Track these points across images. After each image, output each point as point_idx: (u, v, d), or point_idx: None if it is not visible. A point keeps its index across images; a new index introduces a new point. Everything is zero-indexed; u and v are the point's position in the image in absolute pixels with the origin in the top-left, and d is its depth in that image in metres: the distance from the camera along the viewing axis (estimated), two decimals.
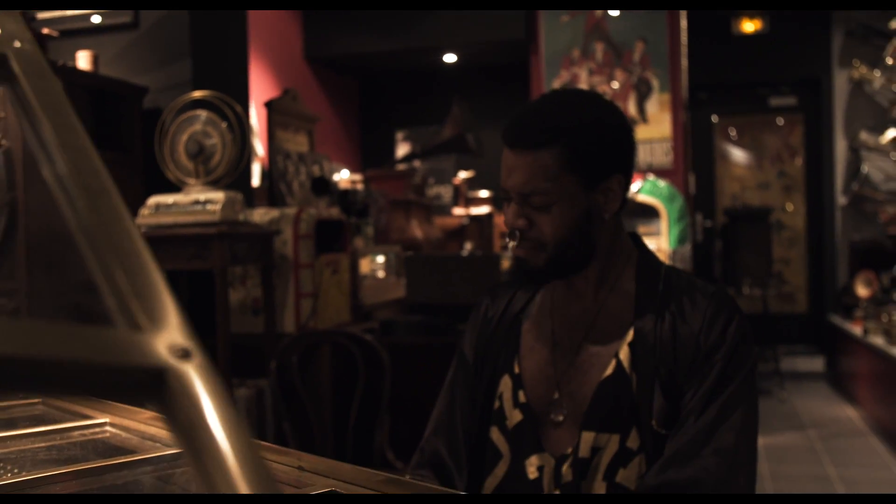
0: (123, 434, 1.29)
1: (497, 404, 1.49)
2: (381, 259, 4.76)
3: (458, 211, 7.27)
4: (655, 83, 6.81)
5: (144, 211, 3.20)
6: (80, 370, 0.38)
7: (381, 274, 4.73)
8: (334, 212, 4.05)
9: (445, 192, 7.36)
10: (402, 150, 8.25)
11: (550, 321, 1.51)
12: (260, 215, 3.63)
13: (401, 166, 6.96)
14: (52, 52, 3.80)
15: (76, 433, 1.29)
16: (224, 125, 3.27)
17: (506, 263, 4.47)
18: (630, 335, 1.42)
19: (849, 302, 7.17)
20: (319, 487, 0.91)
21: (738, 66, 8.36)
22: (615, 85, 6.85)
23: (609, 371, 1.41)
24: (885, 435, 5.47)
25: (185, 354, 0.41)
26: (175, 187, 3.33)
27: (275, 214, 3.66)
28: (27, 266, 3.10)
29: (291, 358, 3.39)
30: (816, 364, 8.02)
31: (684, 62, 6.80)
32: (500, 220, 6.98)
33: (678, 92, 6.76)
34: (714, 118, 8.97)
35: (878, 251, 7.33)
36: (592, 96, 1.47)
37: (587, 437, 1.38)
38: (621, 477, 1.37)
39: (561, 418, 1.43)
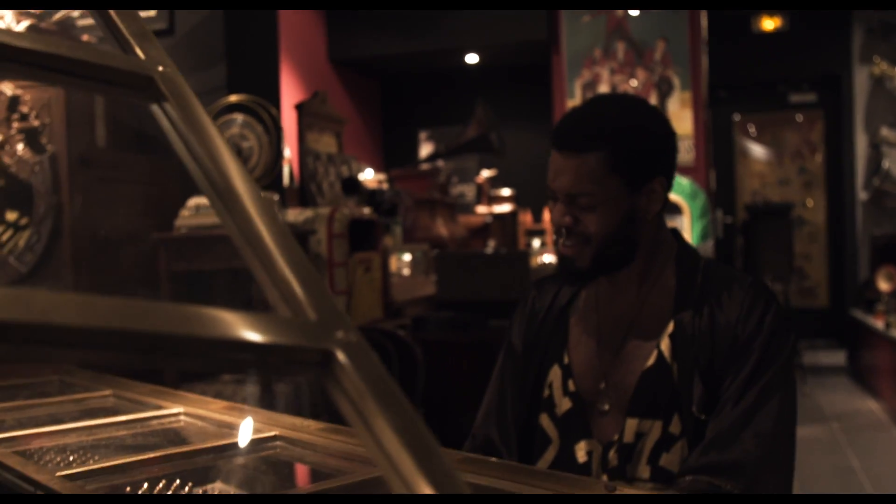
0: (199, 423, 1.37)
1: (547, 392, 1.56)
2: (407, 257, 4.84)
3: (482, 209, 7.34)
4: (676, 81, 6.86)
5: (185, 212, 3.29)
6: (269, 351, 0.46)
7: (406, 272, 4.81)
8: (366, 211, 4.13)
9: (469, 191, 7.43)
10: (425, 149, 8.33)
11: (596, 316, 1.57)
12: (294, 215, 3.72)
13: (425, 166, 7.03)
14: None
15: (154, 422, 1.37)
16: (260, 128, 3.36)
17: (545, 260, 4.54)
18: (671, 327, 1.48)
19: (870, 296, 7.20)
20: None
21: (757, 64, 8.39)
22: (634, 83, 6.90)
23: (651, 361, 1.48)
24: None
25: (347, 339, 0.48)
26: None
27: (309, 214, 3.74)
28: (72, 267, 3.20)
29: None
30: (838, 358, 8.04)
31: (705, 60, 6.84)
32: (524, 219, 7.06)
33: (699, 90, 6.80)
34: (736, 116, 9.00)
35: None
36: (637, 101, 1.54)
37: (631, 424, 1.45)
38: (664, 461, 1.44)
39: (607, 407, 1.50)
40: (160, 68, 0.63)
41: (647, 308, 1.53)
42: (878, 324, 6.52)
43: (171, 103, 0.61)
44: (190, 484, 1.14)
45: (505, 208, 7.42)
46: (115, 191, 3.45)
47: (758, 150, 9.05)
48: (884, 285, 6.88)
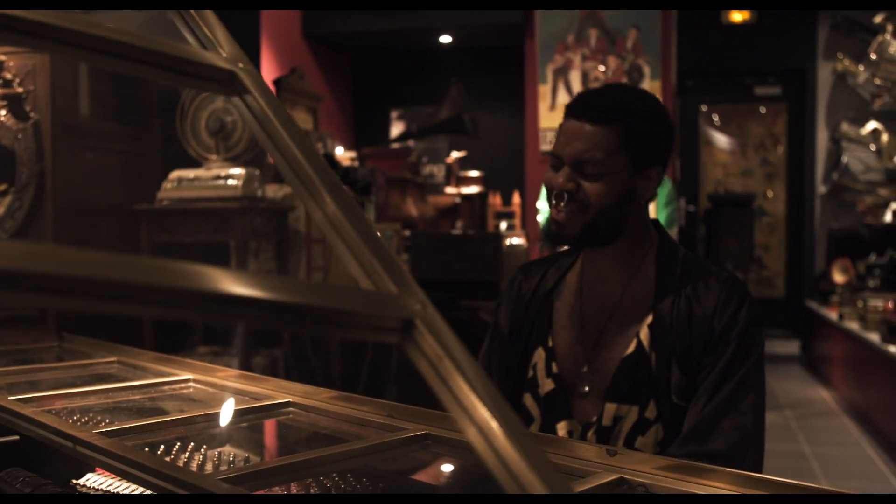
0: (210, 389, 1.44)
1: (531, 374, 1.64)
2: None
3: (450, 190, 7.42)
4: (647, 70, 6.97)
5: (167, 185, 3.33)
6: (360, 318, 0.54)
7: None
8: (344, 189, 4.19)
9: (438, 172, 7.50)
10: (396, 128, 8.37)
11: (579, 301, 1.66)
12: (273, 191, 3.77)
13: (396, 145, 7.08)
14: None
15: (167, 387, 1.44)
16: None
17: (514, 242, 4.63)
18: (650, 318, 1.57)
19: (825, 288, 7.40)
20: (413, 431, 1.07)
21: (725, 55, 8.54)
22: (602, 69, 7.00)
23: (630, 349, 1.56)
24: (857, 415, 5.71)
25: (424, 310, 0.57)
26: (192, 162, 3.45)
27: (288, 191, 3.79)
28: (54, 235, 3.23)
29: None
30: (792, 347, 8.27)
31: (675, 50, 6.97)
32: (493, 201, 7.13)
33: (668, 79, 6.93)
34: (702, 107, 9.15)
35: (855, 239, 7.56)
36: (651, 94, 1.63)
37: (610, 408, 1.55)
38: (639, 443, 1.54)
39: (587, 389, 1.59)
40: (240, 65, 0.70)
41: (629, 296, 1.61)
42: (832, 315, 6.73)
43: (252, 96, 0.68)
44: (204, 448, 1.22)
45: (473, 190, 7.50)
46: (98, 160, 3.47)
47: (722, 141, 9.22)
48: (839, 277, 7.08)
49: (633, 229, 1.61)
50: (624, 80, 6.99)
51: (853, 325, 6.08)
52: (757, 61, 8.58)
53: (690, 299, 1.55)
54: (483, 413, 0.52)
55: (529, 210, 6.94)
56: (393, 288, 0.58)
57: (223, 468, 1.05)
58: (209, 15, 0.72)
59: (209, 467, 1.04)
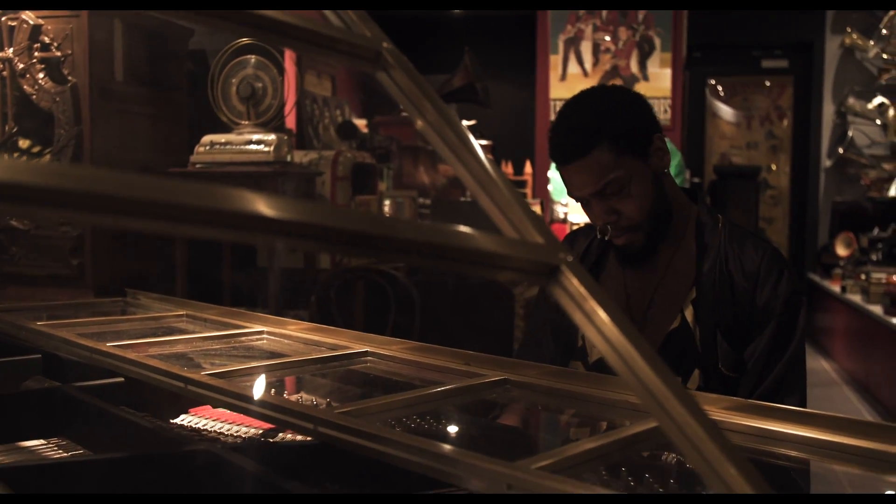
0: (284, 340, 1.55)
1: (580, 342, 1.72)
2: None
3: None
4: (657, 42, 7.04)
5: (200, 149, 3.42)
6: (513, 262, 0.65)
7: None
8: (366, 156, 4.28)
9: None
10: None
11: (623, 277, 1.72)
12: (300, 156, 3.86)
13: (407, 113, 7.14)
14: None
15: (243, 338, 1.54)
16: (274, 70, 3.48)
17: None
18: (693, 293, 1.63)
19: (828, 261, 7.52)
20: (493, 377, 1.18)
21: (733, 28, 8.58)
22: (607, 38, 7.06)
23: (676, 324, 1.63)
24: (857, 385, 5.86)
25: (566, 258, 0.67)
26: (222, 128, 3.54)
27: (314, 156, 3.88)
28: None
29: (329, 292, 3.66)
30: None
31: (685, 22, 7.02)
32: (505, 170, 7.21)
33: (678, 51, 6.99)
34: (710, 79, 9.21)
35: (859, 213, 7.66)
36: (600, 90, 1.68)
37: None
38: None
39: None
40: (384, 44, 0.80)
41: (672, 271, 1.67)
42: (835, 288, 6.85)
43: (397, 72, 0.78)
44: (298, 391, 1.33)
45: None
46: (132, 124, 3.56)
47: (728, 113, 9.30)
48: (842, 251, 7.20)
49: (675, 206, 1.67)
50: (635, 51, 7.05)
51: (856, 298, 6.20)
52: (764, 34, 8.63)
53: (731, 272, 1.60)
54: (623, 341, 0.63)
55: (540, 179, 7.03)
56: (539, 239, 0.68)
57: (325, 407, 1.15)
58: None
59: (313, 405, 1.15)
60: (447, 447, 0.81)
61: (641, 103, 1.66)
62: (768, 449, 0.97)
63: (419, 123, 0.77)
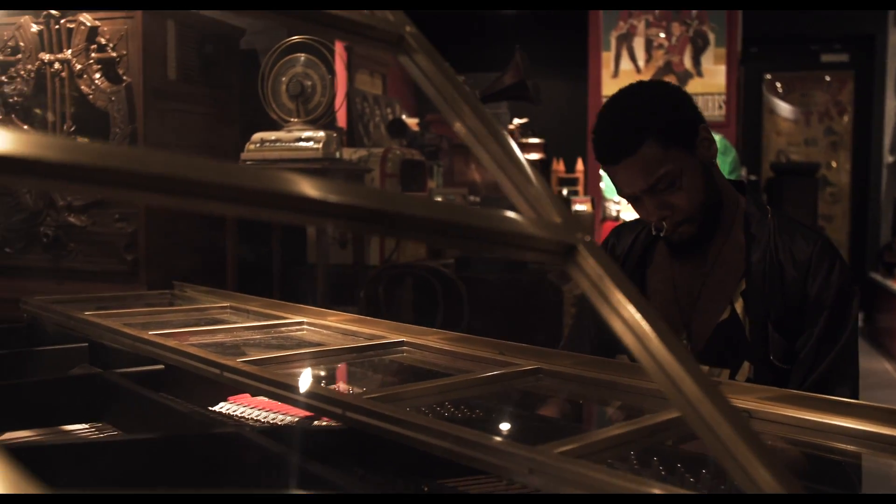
0: (323, 330, 1.56)
1: None
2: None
3: None
4: (712, 37, 6.94)
5: (250, 146, 3.46)
6: (531, 241, 0.64)
7: None
8: (415, 153, 4.29)
9: None
10: None
11: (671, 269, 1.71)
12: (350, 153, 3.89)
13: None
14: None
15: (283, 329, 1.56)
16: (323, 67, 3.51)
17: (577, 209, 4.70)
18: (743, 284, 1.61)
19: (890, 260, 7.34)
20: (526, 366, 1.18)
21: (791, 22, 8.42)
22: (661, 35, 6.98)
23: (725, 316, 1.61)
24: None
25: (584, 237, 0.66)
26: (270, 125, 3.58)
27: (363, 153, 3.91)
28: None
29: (378, 288, 3.67)
30: None
31: (740, 17, 6.91)
32: (557, 167, 7.18)
33: (733, 46, 6.89)
34: (766, 74, 9.06)
35: None
36: (639, 86, 1.65)
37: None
38: None
39: None
40: (407, 28, 0.80)
41: (721, 262, 1.65)
42: None
43: (419, 55, 0.78)
44: (332, 378, 1.34)
45: (534, 156, 7.55)
46: (184, 122, 3.62)
47: (785, 109, 9.13)
48: None
49: (724, 197, 1.65)
50: (688, 47, 6.96)
51: None
52: (824, 28, 8.45)
53: (782, 263, 1.58)
54: (640, 321, 0.62)
55: (592, 176, 6.99)
56: (557, 218, 0.67)
57: (356, 392, 1.16)
58: None
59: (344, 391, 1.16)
60: (471, 431, 0.81)
61: (683, 95, 1.64)
62: (819, 441, 0.95)
63: (439, 106, 0.77)
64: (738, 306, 1.61)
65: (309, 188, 0.55)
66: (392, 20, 0.80)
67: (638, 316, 0.62)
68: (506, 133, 0.74)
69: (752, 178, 8.80)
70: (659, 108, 1.58)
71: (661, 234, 1.63)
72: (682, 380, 0.60)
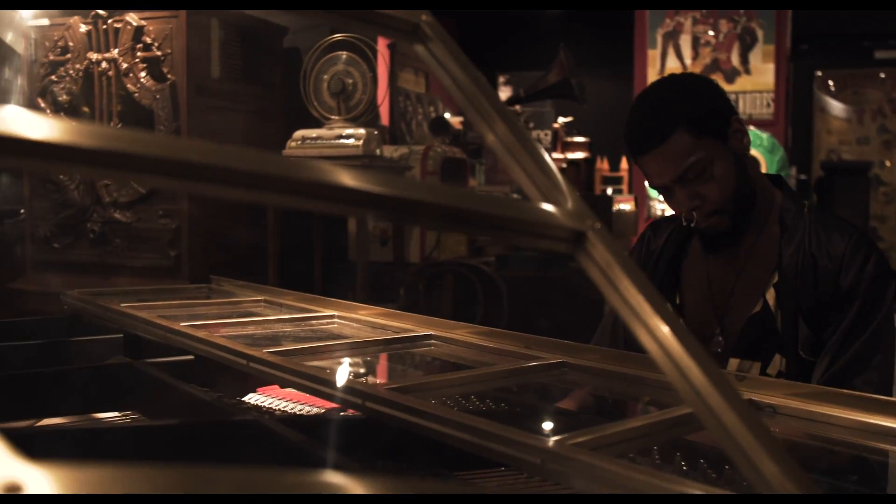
0: (353, 323, 1.57)
1: None
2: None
3: (556, 155, 7.45)
4: (760, 34, 6.83)
5: (292, 143, 3.49)
6: (543, 227, 0.64)
7: None
8: (457, 151, 4.29)
9: (544, 137, 7.53)
10: (503, 93, 8.41)
11: (705, 263, 1.70)
12: (391, 151, 3.90)
13: None
14: None
15: (314, 322, 1.57)
16: (364, 65, 3.53)
17: (622, 208, 4.68)
18: (775, 277, 1.60)
19: None
20: (551, 360, 1.17)
21: (843, 18, 8.26)
22: (712, 33, 6.88)
23: (757, 308, 1.60)
24: None
25: (594, 224, 0.66)
26: (311, 122, 3.60)
27: (404, 151, 3.92)
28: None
29: (418, 285, 3.68)
30: None
31: (789, 13, 6.80)
32: (601, 166, 7.13)
33: (782, 43, 6.77)
34: (817, 71, 8.90)
35: None
36: (671, 78, 1.65)
37: (733, 363, 1.60)
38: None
39: (720, 350, 1.63)
40: (423, 17, 0.80)
41: (754, 256, 1.64)
42: None
43: (434, 44, 0.78)
44: (358, 369, 1.35)
45: (579, 155, 7.51)
46: (227, 119, 3.66)
47: (837, 107, 8.96)
48: None
49: (759, 191, 1.64)
50: (736, 44, 6.87)
51: None
52: (877, 24, 8.28)
53: (815, 256, 1.57)
54: (648, 311, 0.61)
55: (636, 175, 6.92)
56: (568, 205, 0.67)
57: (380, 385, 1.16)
58: None
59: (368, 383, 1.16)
60: (486, 422, 0.81)
61: (715, 87, 1.64)
62: (846, 438, 0.93)
63: (452, 94, 0.77)
64: (770, 298, 1.60)
65: (324, 175, 0.55)
66: (408, 9, 0.80)
67: (646, 305, 0.62)
68: (517, 116, 0.74)
69: (802, 177, 8.65)
70: (689, 98, 1.59)
71: (693, 226, 1.61)
72: (689, 368, 0.59)
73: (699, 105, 1.57)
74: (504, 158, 0.72)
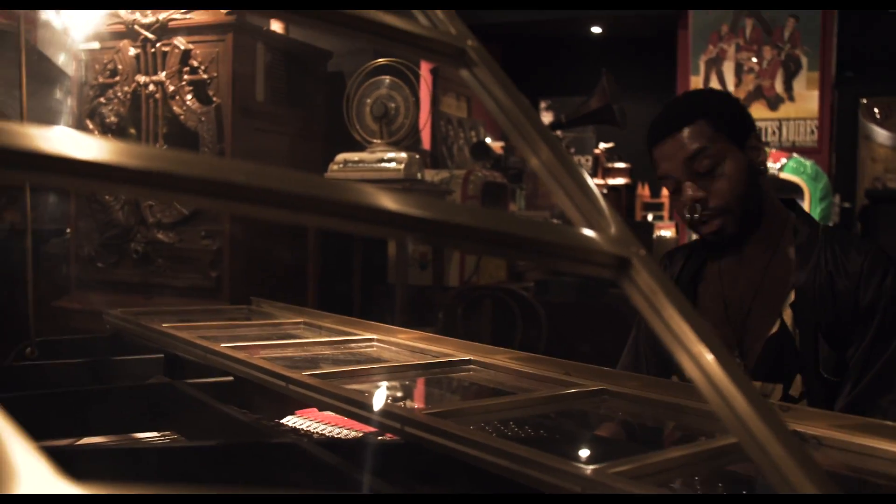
0: (392, 347, 1.57)
1: None
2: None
3: (597, 181, 7.43)
4: (804, 61, 6.78)
5: (334, 166, 3.52)
6: (587, 253, 0.63)
7: None
8: (497, 176, 4.30)
9: (586, 162, 7.52)
10: (545, 118, 8.43)
11: (721, 286, 1.70)
12: (431, 175, 3.91)
13: None
14: (248, 15, 4.14)
15: (353, 345, 1.57)
16: (407, 89, 3.55)
17: (662, 234, 4.64)
18: (792, 296, 1.59)
19: None
20: (591, 387, 1.16)
21: (890, 45, 8.16)
22: (755, 60, 6.83)
23: (775, 329, 1.59)
24: None
25: (639, 251, 0.65)
26: (353, 145, 3.63)
27: (445, 175, 3.93)
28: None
29: (457, 309, 3.67)
30: None
31: (834, 41, 6.74)
32: (642, 192, 7.10)
33: (827, 70, 6.71)
34: (863, 100, 8.79)
35: None
36: (700, 89, 1.72)
37: (755, 386, 1.58)
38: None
39: None
40: (469, 42, 0.80)
41: (770, 276, 1.64)
42: None
43: (480, 69, 0.78)
44: (396, 393, 1.34)
45: (620, 181, 7.48)
46: (270, 141, 3.70)
47: (883, 135, 8.84)
48: None
49: (769, 207, 1.65)
50: (780, 71, 6.81)
51: None
52: None
53: (832, 274, 1.56)
54: (693, 339, 0.60)
55: None
56: (613, 231, 0.66)
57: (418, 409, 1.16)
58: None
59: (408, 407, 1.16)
60: (525, 449, 0.80)
61: (740, 103, 1.70)
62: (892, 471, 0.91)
63: (497, 119, 0.76)
64: (788, 318, 1.59)
65: (366, 197, 0.55)
66: (454, 34, 0.80)
67: (690, 333, 0.61)
68: (560, 141, 0.73)
69: (846, 205, 8.53)
70: (714, 98, 1.68)
71: (696, 216, 1.61)
72: (735, 398, 0.58)
73: (723, 105, 1.64)
74: (548, 183, 0.72)
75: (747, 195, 1.59)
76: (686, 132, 1.58)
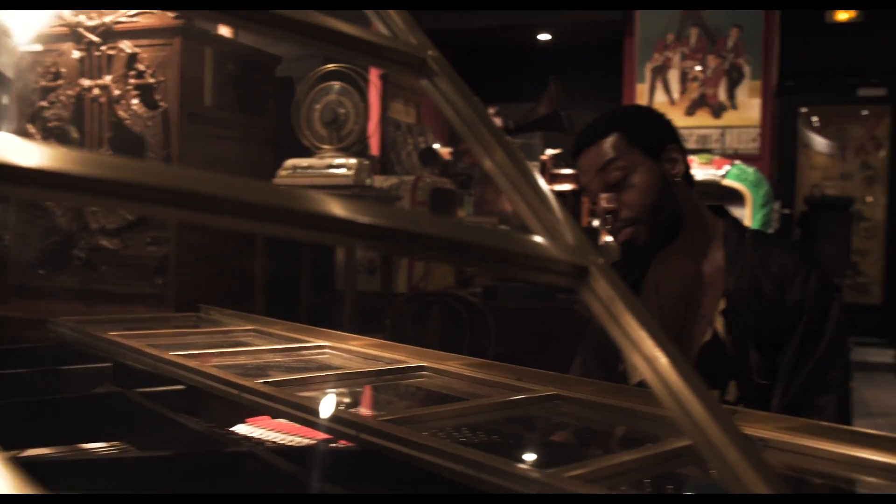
0: (344, 354, 1.56)
1: (622, 367, 1.73)
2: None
3: None
4: (747, 70, 6.91)
5: (282, 172, 3.50)
6: (545, 262, 0.64)
7: None
8: (446, 181, 4.31)
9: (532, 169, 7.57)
10: None
11: (657, 295, 1.74)
12: (381, 181, 3.91)
13: None
14: (196, 19, 4.09)
15: (305, 352, 1.56)
16: (356, 95, 3.55)
17: (608, 240, 4.69)
18: (722, 303, 1.63)
19: None
20: (544, 392, 1.17)
21: (829, 56, 8.38)
22: (699, 68, 6.95)
23: (707, 337, 1.63)
24: None
25: (597, 260, 0.66)
26: (302, 151, 3.61)
27: (394, 181, 3.93)
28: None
29: (405, 316, 3.67)
30: (886, 356, 8.07)
31: (777, 50, 6.89)
32: (587, 199, 7.16)
33: (769, 79, 6.85)
34: (802, 108, 9.00)
35: None
36: (626, 105, 1.79)
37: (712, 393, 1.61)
38: None
39: None
40: (429, 52, 0.81)
41: (700, 285, 1.68)
42: None
43: (440, 79, 0.79)
44: (348, 400, 1.34)
45: (566, 187, 7.55)
46: (218, 147, 3.67)
47: (821, 143, 9.06)
48: None
49: (691, 216, 1.69)
50: (723, 79, 6.94)
51: None
52: (861, 62, 8.40)
53: (759, 277, 1.60)
54: (650, 345, 0.62)
55: None
56: (570, 239, 0.67)
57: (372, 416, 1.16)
58: (402, 11, 0.83)
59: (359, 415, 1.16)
60: (482, 454, 0.81)
61: (661, 116, 1.75)
62: (837, 472, 0.93)
63: (457, 129, 0.77)
64: (720, 325, 1.62)
65: (323, 206, 0.55)
66: (415, 43, 0.81)
67: (648, 339, 0.62)
68: (518, 150, 0.74)
69: (786, 211, 8.72)
70: (631, 114, 1.78)
71: (608, 227, 1.69)
72: (691, 403, 0.59)
73: (638, 120, 1.71)
74: (507, 192, 0.72)
75: (659, 205, 1.64)
76: (600, 145, 1.65)
